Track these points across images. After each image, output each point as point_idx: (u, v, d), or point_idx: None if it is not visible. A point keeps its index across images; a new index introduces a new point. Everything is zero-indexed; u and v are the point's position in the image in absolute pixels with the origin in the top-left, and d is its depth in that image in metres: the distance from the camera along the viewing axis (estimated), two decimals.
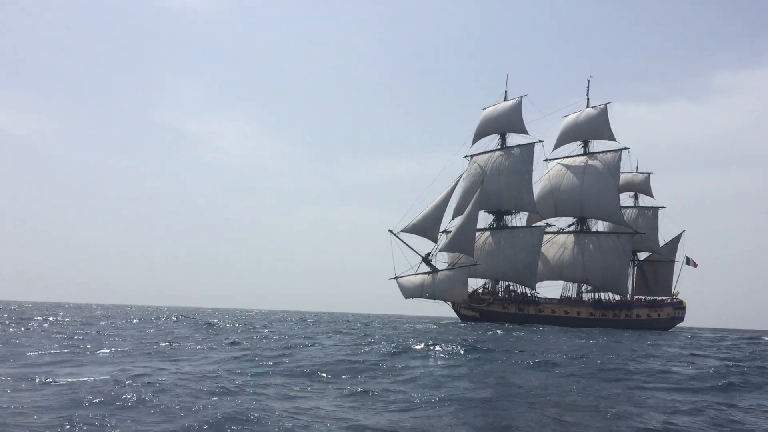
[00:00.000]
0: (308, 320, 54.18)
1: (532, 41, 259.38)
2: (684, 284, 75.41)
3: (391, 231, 65.11)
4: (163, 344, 21.28)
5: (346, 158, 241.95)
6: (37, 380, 11.81)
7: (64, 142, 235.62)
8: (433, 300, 65.82)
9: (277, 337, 26.66)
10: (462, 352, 19.54)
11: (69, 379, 11.86)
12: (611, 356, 20.34)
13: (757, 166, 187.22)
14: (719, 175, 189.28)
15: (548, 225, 70.09)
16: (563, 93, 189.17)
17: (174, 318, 50.84)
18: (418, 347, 20.15)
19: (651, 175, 76.77)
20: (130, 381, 11.65)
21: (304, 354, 18.19)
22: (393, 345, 21.02)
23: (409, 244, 65.75)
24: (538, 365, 16.66)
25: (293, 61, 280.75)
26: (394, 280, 66.51)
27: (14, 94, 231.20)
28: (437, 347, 20.30)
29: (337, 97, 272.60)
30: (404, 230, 65.34)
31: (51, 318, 41.85)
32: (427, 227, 65.44)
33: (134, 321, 42.13)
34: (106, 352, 17.74)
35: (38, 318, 40.97)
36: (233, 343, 21.69)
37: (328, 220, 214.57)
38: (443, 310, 69.97)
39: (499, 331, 38.30)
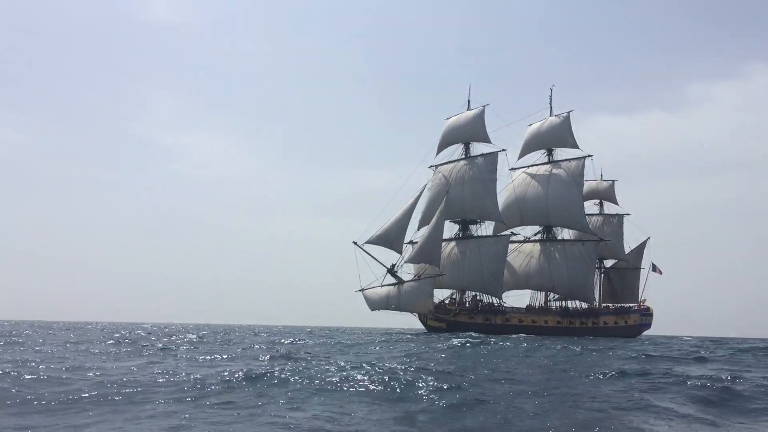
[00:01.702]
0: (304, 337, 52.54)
1: (500, 51, 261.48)
2: (651, 291, 75.92)
3: (355, 243, 64.42)
4: None
5: (321, 169, 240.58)
6: None
7: (40, 156, 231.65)
8: (399, 312, 65.15)
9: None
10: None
11: None
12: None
13: (726, 175, 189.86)
14: (687, 184, 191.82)
15: (513, 234, 69.88)
16: (530, 102, 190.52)
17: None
18: None
19: (615, 182, 77.39)
20: None
21: None
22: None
23: (375, 256, 65.19)
24: None
25: (265, 74, 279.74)
26: (360, 293, 66.00)
27: None
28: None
29: (311, 108, 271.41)
30: (369, 241, 64.60)
31: None
32: (391, 238, 64.78)
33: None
34: None
35: None
36: None
37: (304, 232, 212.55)
38: (411, 321, 69.38)
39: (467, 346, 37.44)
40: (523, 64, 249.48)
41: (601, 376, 16.01)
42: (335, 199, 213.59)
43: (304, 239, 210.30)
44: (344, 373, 14.93)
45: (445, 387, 13.06)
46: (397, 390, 12.76)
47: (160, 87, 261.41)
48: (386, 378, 13.93)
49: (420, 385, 13.23)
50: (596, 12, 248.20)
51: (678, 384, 14.59)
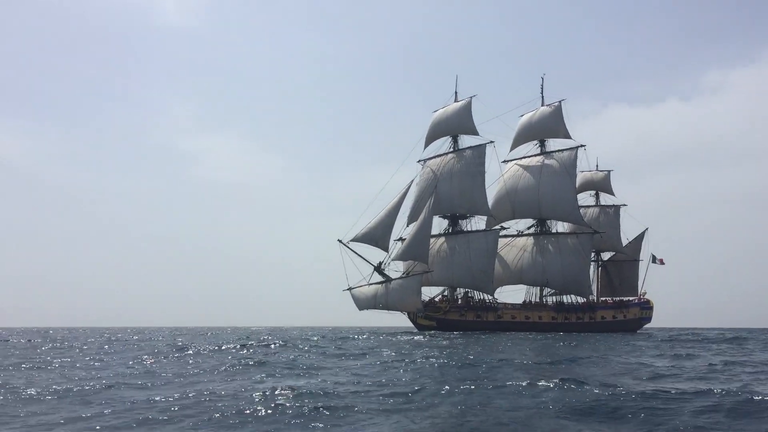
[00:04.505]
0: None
1: (492, 40, 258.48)
2: (652, 284, 73.60)
3: (340, 240, 62.90)
4: None
5: (340, 170, 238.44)
6: None
7: (59, 165, 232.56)
8: (387, 311, 63.52)
9: None
10: None
11: None
12: None
13: (742, 164, 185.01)
14: (696, 175, 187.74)
15: (503, 228, 67.89)
16: (524, 93, 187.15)
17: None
18: None
19: (611, 172, 75.08)
20: None
21: None
22: None
23: (361, 254, 63.56)
24: None
25: (280, 75, 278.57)
26: (349, 292, 64.48)
27: (8, 120, 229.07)
28: None
29: (326, 108, 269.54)
30: (354, 239, 62.99)
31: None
32: (377, 236, 63.10)
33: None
34: None
35: None
36: None
37: (318, 233, 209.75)
38: (403, 319, 67.65)
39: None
40: (523, 54, 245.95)
41: None
42: (354, 199, 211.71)
43: (318, 240, 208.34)
44: None
45: None
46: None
47: (176, 91, 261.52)
48: None
49: None
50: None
51: None
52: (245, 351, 28.60)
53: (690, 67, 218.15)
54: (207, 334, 68.08)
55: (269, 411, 11.25)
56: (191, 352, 28.93)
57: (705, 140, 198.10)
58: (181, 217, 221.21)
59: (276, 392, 13.43)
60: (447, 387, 14.20)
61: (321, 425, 10.33)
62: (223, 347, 31.84)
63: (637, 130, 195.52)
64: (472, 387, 14.17)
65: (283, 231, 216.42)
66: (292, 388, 13.79)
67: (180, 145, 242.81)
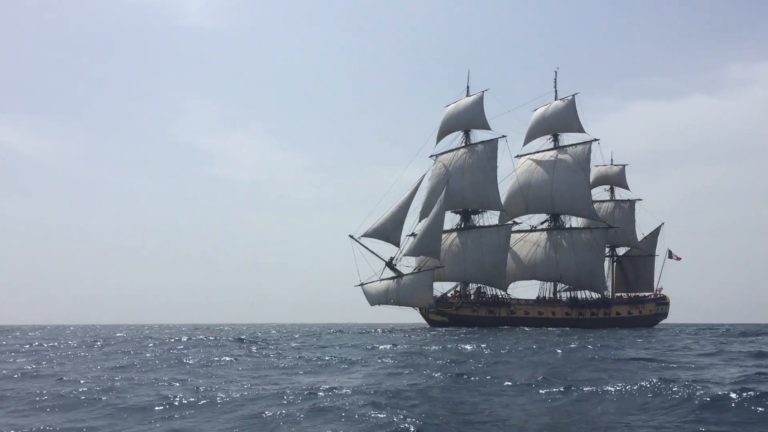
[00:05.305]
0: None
1: (505, 35, 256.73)
2: (668, 279, 72.66)
3: (351, 236, 62.68)
4: None
5: (353, 166, 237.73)
6: None
7: (81, 163, 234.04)
8: (398, 306, 63.19)
9: None
10: None
11: None
12: None
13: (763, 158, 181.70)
14: (711, 170, 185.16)
15: (515, 223, 67.31)
16: (540, 87, 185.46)
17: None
18: None
19: (626, 167, 74.16)
20: None
21: None
22: None
23: (372, 249, 63.30)
24: None
25: (298, 76, 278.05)
26: (360, 288, 64.24)
27: (32, 118, 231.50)
28: None
29: (344, 106, 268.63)
30: (365, 235, 62.82)
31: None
32: (388, 231, 62.85)
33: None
34: None
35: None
36: None
37: (340, 230, 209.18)
38: (414, 315, 67.36)
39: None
40: (539, 48, 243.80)
41: None
42: (366, 195, 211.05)
43: (330, 237, 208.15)
44: None
45: None
46: None
47: (197, 91, 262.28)
48: None
49: None
50: None
51: None
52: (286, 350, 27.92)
53: (714, 61, 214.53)
54: (224, 329, 68.42)
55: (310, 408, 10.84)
56: (211, 343, 28.87)
57: (727, 134, 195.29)
58: (199, 214, 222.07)
59: (320, 389, 12.97)
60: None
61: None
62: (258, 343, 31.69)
63: (658, 124, 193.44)
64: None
65: (297, 229, 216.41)
66: (329, 385, 13.39)
67: (200, 144, 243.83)
